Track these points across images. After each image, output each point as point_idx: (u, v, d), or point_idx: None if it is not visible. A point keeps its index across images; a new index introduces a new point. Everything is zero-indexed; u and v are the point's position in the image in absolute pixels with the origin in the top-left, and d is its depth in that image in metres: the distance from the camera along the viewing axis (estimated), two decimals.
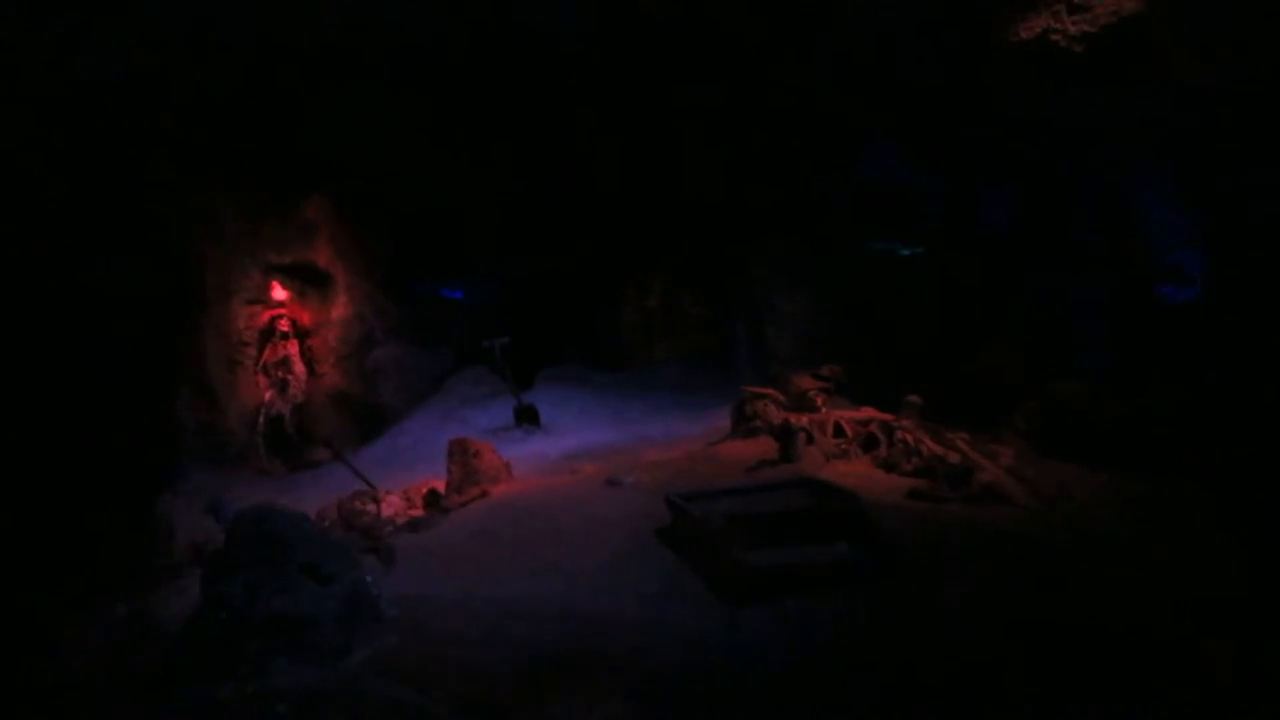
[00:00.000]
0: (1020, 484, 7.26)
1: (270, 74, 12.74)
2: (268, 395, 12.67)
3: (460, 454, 7.79)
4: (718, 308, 13.22)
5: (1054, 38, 8.60)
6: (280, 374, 12.74)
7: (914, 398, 8.67)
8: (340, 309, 13.58)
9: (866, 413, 8.88)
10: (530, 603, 4.93)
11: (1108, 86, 9.13)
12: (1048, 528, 6.21)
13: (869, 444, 8.22)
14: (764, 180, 11.08)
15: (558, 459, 9.22)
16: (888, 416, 8.60)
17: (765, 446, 8.05)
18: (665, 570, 5.14)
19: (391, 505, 7.72)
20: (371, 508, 7.50)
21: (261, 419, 12.53)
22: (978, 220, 11.68)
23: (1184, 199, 10.35)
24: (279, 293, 12.87)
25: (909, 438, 8.03)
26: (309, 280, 13.43)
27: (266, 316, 12.79)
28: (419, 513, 7.68)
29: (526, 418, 11.31)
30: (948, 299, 10.60)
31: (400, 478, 9.96)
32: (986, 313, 10.81)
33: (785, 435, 7.66)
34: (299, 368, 12.90)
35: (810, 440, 7.73)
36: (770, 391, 8.79)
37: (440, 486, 8.15)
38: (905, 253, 10.49)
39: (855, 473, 7.60)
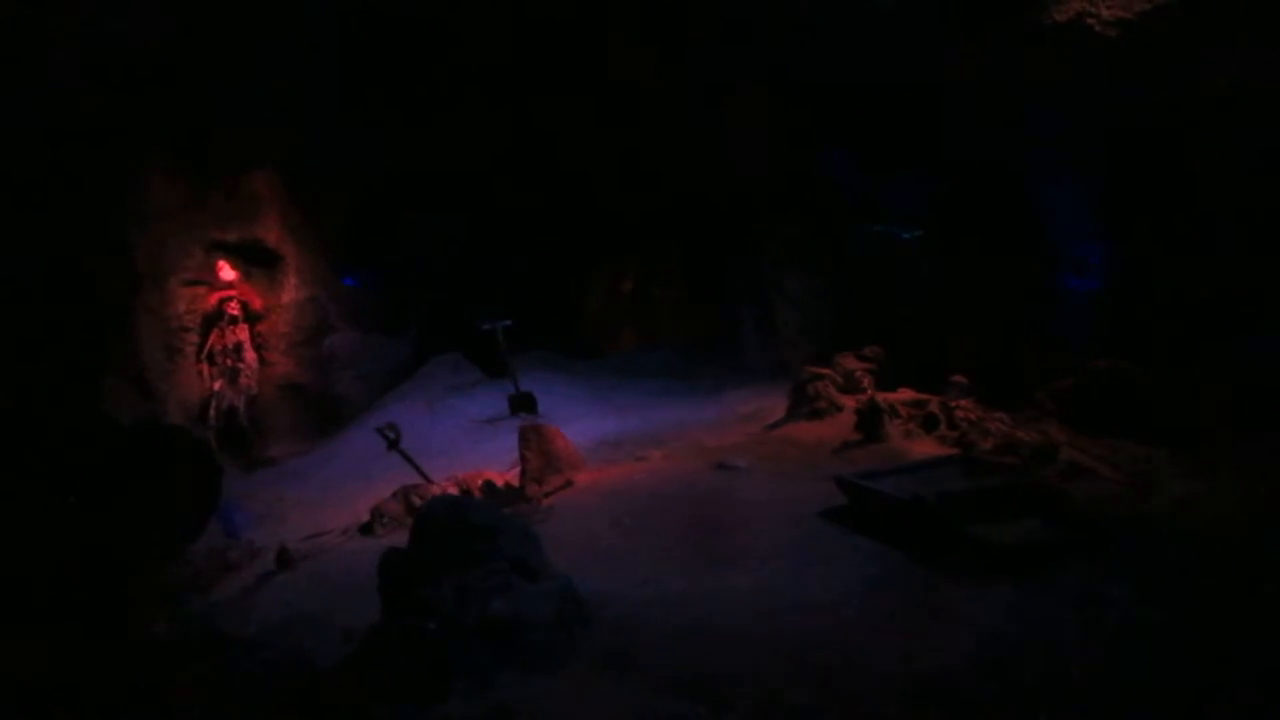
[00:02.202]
0: (1096, 460, 7.32)
1: (205, 33, 11.59)
2: (217, 385, 11.46)
3: (537, 440, 7.17)
4: (699, 291, 12.92)
5: (1089, 21, 8.78)
6: (229, 362, 11.53)
7: (959, 378, 8.67)
8: (291, 292, 12.44)
9: (905, 393, 8.83)
10: (739, 596, 4.50)
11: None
12: (1166, 502, 6.20)
13: (928, 424, 8.11)
14: (767, 162, 10.86)
15: (590, 448, 8.67)
16: (928, 396, 8.57)
17: (837, 427, 7.84)
18: (869, 553, 4.81)
19: None
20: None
21: (213, 411, 11.31)
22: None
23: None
24: (227, 273, 11.65)
25: (972, 416, 8.00)
26: (255, 260, 12.24)
27: (214, 299, 11.55)
28: None
29: (523, 406, 10.67)
30: (944, 282, 10.69)
31: (401, 475, 9.21)
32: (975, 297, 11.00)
33: (873, 415, 7.48)
34: (250, 355, 11.73)
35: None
36: (828, 372, 8.59)
37: (495, 477, 7.51)
38: (906, 236, 10.49)
39: (931, 452, 7.45)
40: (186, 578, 6.92)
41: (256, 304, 11.91)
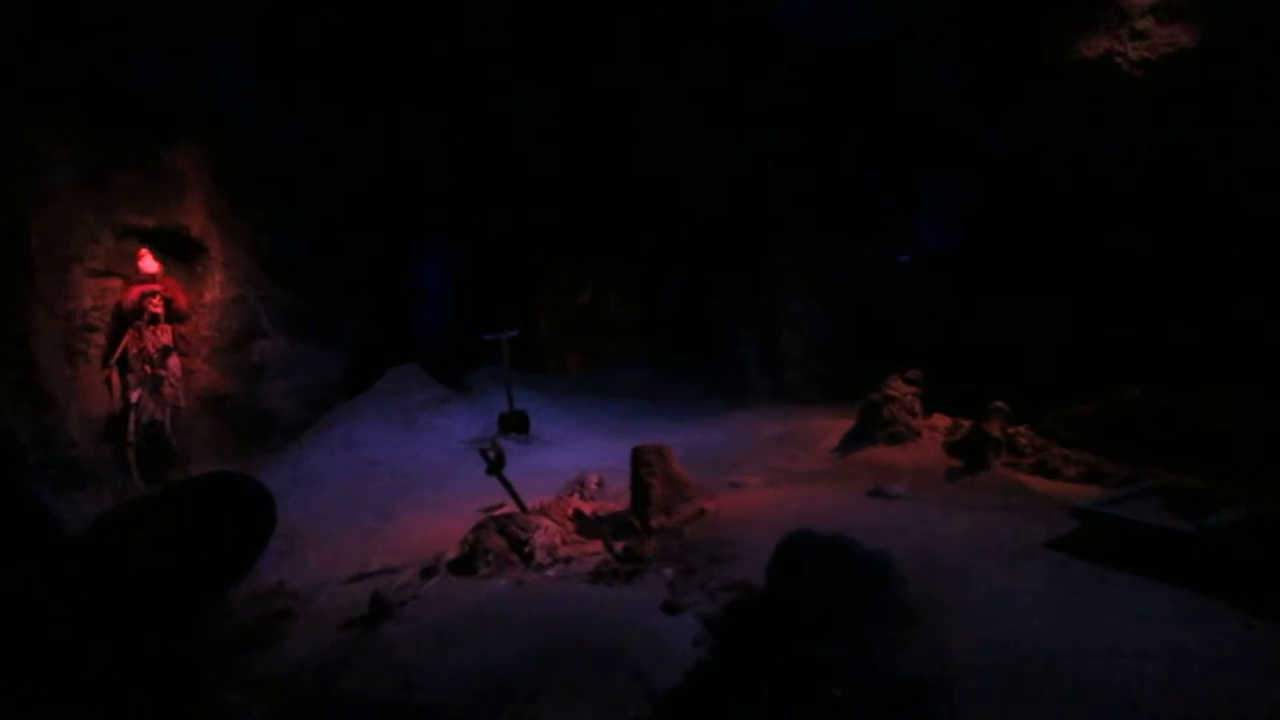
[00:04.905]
0: None
1: None
2: (135, 396, 9.65)
3: (661, 464, 6.32)
4: (658, 308, 12.40)
5: (1117, 60, 9.11)
6: (150, 369, 9.76)
7: (1000, 404, 8.62)
8: (216, 290, 10.79)
9: (939, 419, 8.72)
10: (1071, 646, 4.04)
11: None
12: None
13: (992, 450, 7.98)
14: (776, 186, 10.59)
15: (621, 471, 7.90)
16: (967, 421, 8.49)
17: (922, 452, 7.59)
18: (1141, 590, 4.49)
19: (550, 532, 6.08)
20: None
21: (132, 426, 9.52)
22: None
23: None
24: (150, 264, 9.89)
25: (1037, 443, 7.97)
26: (174, 251, 10.50)
27: (134, 294, 9.74)
28: (576, 539, 6.17)
29: (515, 426, 9.70)
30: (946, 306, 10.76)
31: (419, 502, 8.10)
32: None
33: (980, 442, 7.25)
34: (175, 361, 10.00)
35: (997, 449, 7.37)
36: (898, 394, 8.28)
37: (582, 506, 6.65)
38: (904, 259, 10.53)
39: (1026, 481, 7.28)
40: (229, 630, 5.60)
41: (182, 302, 10.19)
